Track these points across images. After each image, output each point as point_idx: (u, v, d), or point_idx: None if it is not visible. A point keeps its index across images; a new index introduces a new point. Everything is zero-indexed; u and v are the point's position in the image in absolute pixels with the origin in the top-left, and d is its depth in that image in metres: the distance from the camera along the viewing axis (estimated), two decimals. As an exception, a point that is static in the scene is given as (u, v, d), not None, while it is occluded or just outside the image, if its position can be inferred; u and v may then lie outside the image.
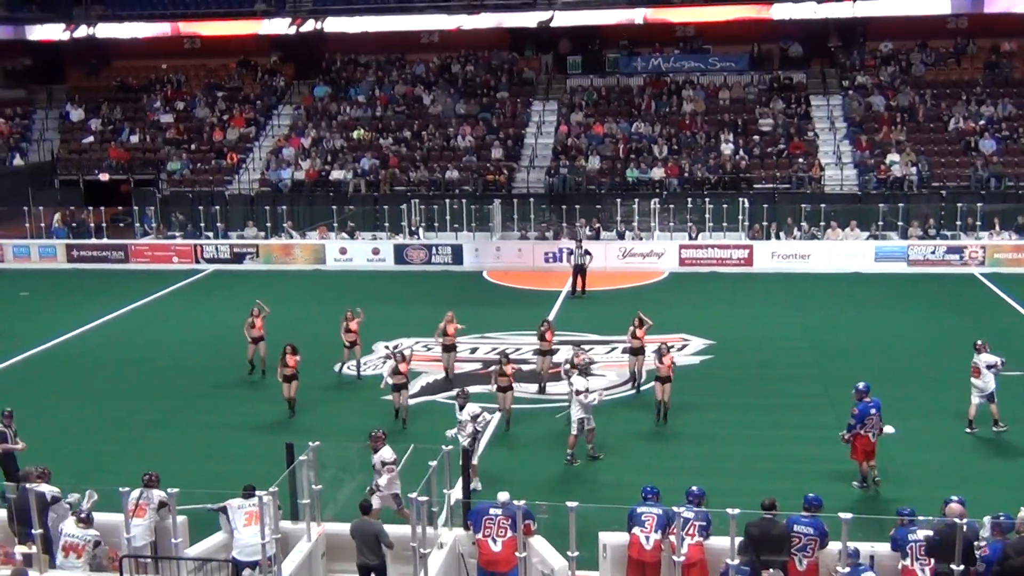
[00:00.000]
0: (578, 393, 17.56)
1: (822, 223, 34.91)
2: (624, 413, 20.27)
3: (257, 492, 12.70)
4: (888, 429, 16.53)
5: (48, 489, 13.64)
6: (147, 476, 13.71)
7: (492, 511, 12.79)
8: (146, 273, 36.06)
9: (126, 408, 21.52)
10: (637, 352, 21.27)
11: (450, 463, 13.37)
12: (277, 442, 15.70)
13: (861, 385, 16.55)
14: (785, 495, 13.27)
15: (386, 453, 14.78)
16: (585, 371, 18.03)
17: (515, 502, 12.35)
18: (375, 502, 14.19)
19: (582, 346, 20.59)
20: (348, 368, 23.00)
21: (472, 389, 21.63)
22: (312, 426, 19.59)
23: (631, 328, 21.33)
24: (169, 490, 12.54)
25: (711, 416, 20.19)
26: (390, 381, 19.63)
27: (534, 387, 21.64)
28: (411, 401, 20.06)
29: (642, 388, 21.20)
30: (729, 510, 11.26)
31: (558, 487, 16.59)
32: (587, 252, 30.87)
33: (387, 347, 25.11)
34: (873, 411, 16.28)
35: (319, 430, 18.84)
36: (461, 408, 16.50)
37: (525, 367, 22.51)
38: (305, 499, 13.27)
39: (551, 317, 27.38)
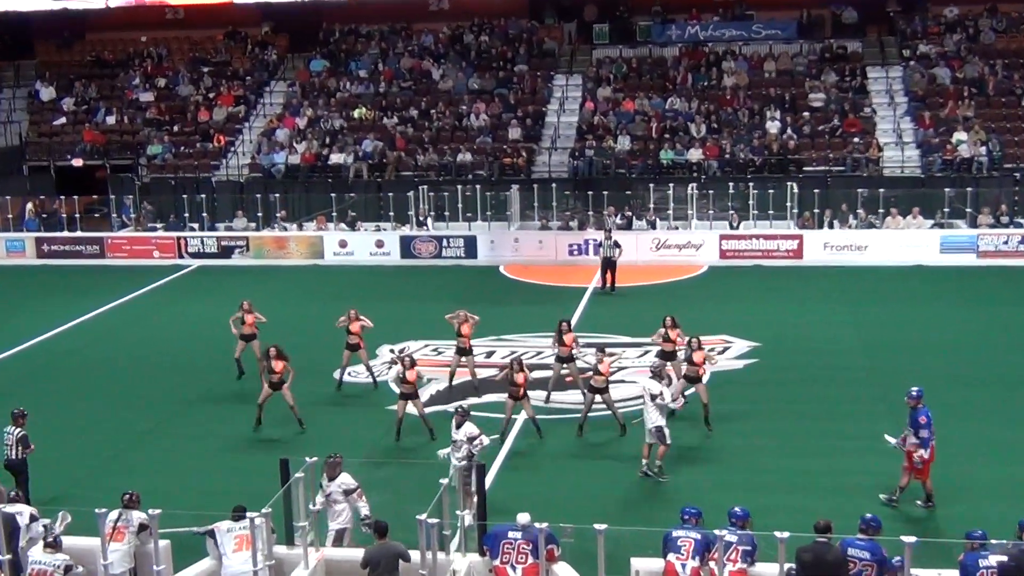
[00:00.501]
0: (653, 398, 17.50)
1: (880, 210, 34.75)
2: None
3: (248, 513, 12.72)
4: (891, 439, 16.63)
5: (24, 509, 13.71)
6: (127, 495, 13.74)
7: (511, 534, 12.78)
8: (124, 269, 36.24)
9: (104, 419, 21.63)
10: (669, 356, 21.18)
11: (464, 481, 13.36)
12: (271, 457, 15.75)
13: (915, 390, 16.41)
14: (840, 514, 13.22)
15: (347, 479, 14.54)
16: (658, 374, 17.93)
17: (536, 524, 12.34)
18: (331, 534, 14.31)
19: (606, 350, 20.50)
20: (350, 375, 23.04)
21: (489, 398, 21.75)
22: (310, 439, 19.64)
23: (662, 330, 21.22)
24: (151, 511, 12.58)
25: (756, 426, 20.12)
26: (397, 389, 19.66)
27: (544, 395, 21.64)
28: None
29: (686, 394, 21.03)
30: (777, 533, 11.22)
31: (584, 507, 16.56)
32: (616, 244, 30.82)
33: (392, 351, 25.15)
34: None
35: (317, 444, 18.87)
36: (458, 427, 16.32)
37: (543, 372, 22.47)
38: (302, 521, 13.29)
39: (574, 318, 27.35)
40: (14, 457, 16.92)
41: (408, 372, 19.38)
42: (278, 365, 20.06)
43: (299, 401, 20.51)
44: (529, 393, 19.64)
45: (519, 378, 19.33)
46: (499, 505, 15.53)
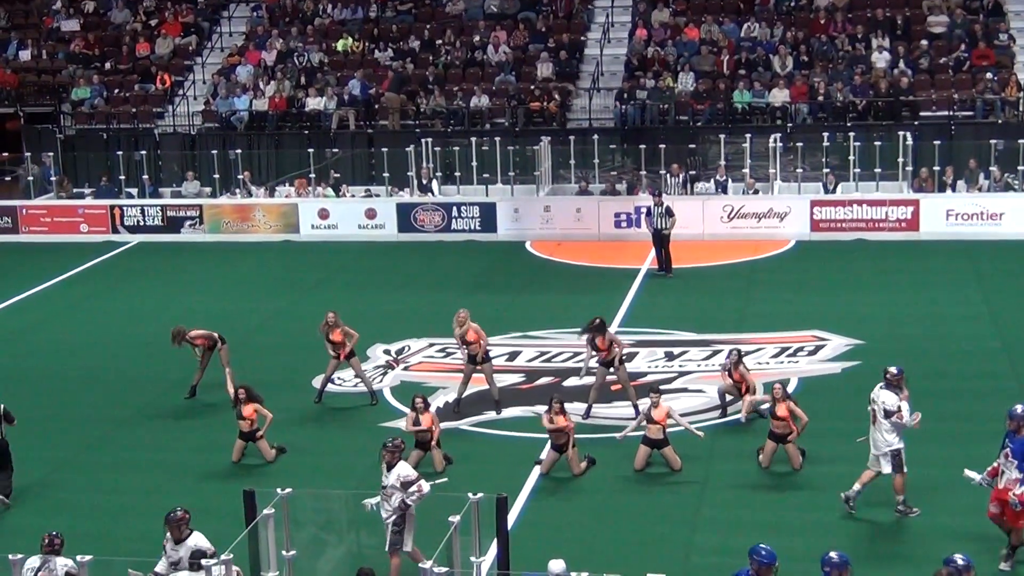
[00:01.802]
0: (888, 415, 17.34)
1: (1020, 167, 34.56)
2: (725, 447, 20.26)
3: (205, 561, 12.81)
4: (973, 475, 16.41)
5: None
6: (49, 538, 13.87)
7: (541, 587, 12.89)
8: (43, 247, 36.43)
9: (21, 440, 21.72)
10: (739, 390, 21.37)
11: (479, 519, 13.44)
12: (232, 488, 15.86)
13: (1021, 409, 16.04)
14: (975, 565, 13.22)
15: (200, 540, 14.23)
16: (898, 384, 17.66)
17: (574, 574, 12.39)
18: None
19: (659, 387, 20.46)
20: (335, 382, 23.10)
21: (512, 412, 21.81)
22: (282, 467, 19.73)
23: (726, 363, 21.37)
24: (79, 558, 12.69)
25: (857, 449, 20.05)
26: (409, 429, 19.52)
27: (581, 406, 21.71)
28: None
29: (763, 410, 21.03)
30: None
31: (634, 552, 16.62)
32: (668, 211, 30.66)
33: (388, 352, 25.24)
34: None
35: (291, 472, 19.00)
36: (388, 468, 15.81)
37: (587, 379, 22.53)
38: (271, 571, 13.38)
39: (621, 310, 27.40)
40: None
41: (423, 416, 19.33)
42: (248, 410, 20.04)
43: (275, 417, 20.50)
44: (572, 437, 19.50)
45: (560, 421, 19.15)
46: (526, 548, 15.62)
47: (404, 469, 15.76)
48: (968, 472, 16.46)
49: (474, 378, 22.07)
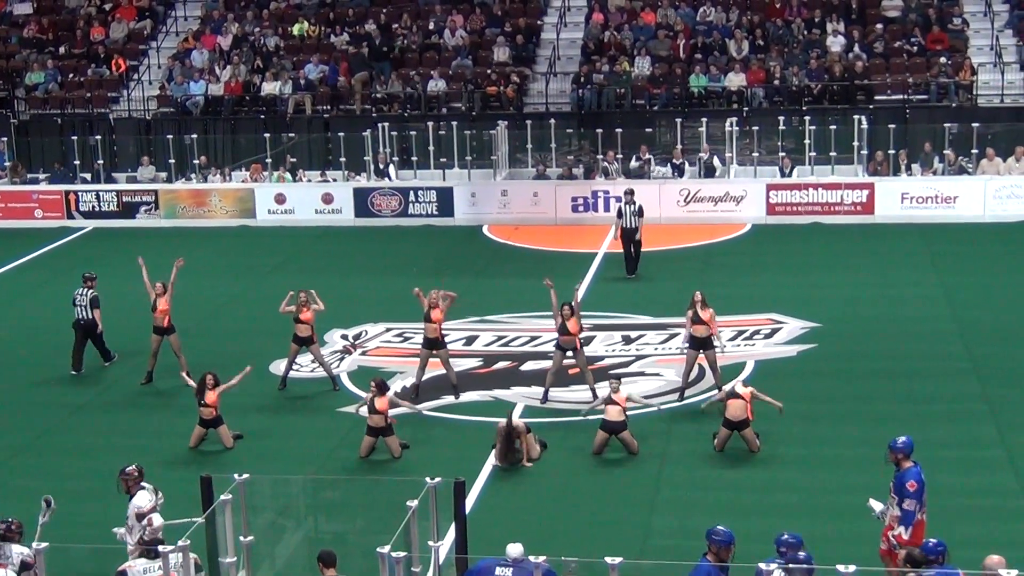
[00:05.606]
0: None
1: (974, 151, 34.74)
2: (683, 429, 20.33)
3: (162, 548, 12.76)
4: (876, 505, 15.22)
5: None
6: (4, 525, 13.79)
7: (499, 571, 12.90)
8: (-3, 233, 36.25)
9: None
10: (702, 344, 21.19)
11: (436, 504, 13.44)
12: (190, 474, 15.79)
13: (903, 440, 14.92)
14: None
15: (141, 499, 14.15)
16: None
17: (531, 558, 12.42)
18: None
19: (618, 374, 20.45)
20: (296, 367, 23.01)
21: (469, 396, 21.83)
22: (242, 452, 19.68)
23: (689, 311, 21.27)
24: (35, 545, 12.62)
25: (813, 431, 20.21)
26: (365, 414, 19.45)
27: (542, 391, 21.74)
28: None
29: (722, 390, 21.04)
30: (840, 567, 11.30)
31: (592, 535, 16.67)
32: (640, 210, 29.54)
33: (345, 337, 25.20)
34: None
35: (252, 457, 18.94)
36: (130, 496, 14.91)
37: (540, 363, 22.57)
38: (229, 556, 13.35)
39: (579, 294, 27.42)
40: (89, 317, 23.41)
41: (378, 400, 19.28)
42: (211, 397, 19.92)
43: (231, 403, 20.49)
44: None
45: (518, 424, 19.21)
46: (484, 532, 15.62)
47: (140, 500, 14.77)
48: (873, 502, 15.25)
49: (431, 363, 22.04)
